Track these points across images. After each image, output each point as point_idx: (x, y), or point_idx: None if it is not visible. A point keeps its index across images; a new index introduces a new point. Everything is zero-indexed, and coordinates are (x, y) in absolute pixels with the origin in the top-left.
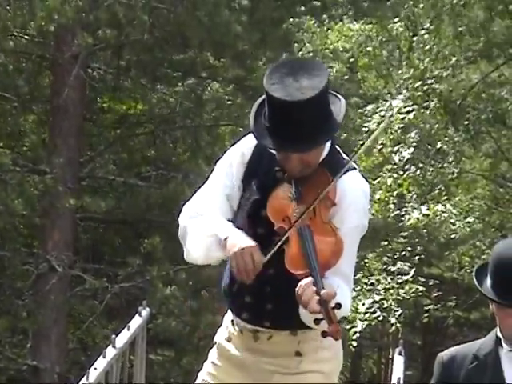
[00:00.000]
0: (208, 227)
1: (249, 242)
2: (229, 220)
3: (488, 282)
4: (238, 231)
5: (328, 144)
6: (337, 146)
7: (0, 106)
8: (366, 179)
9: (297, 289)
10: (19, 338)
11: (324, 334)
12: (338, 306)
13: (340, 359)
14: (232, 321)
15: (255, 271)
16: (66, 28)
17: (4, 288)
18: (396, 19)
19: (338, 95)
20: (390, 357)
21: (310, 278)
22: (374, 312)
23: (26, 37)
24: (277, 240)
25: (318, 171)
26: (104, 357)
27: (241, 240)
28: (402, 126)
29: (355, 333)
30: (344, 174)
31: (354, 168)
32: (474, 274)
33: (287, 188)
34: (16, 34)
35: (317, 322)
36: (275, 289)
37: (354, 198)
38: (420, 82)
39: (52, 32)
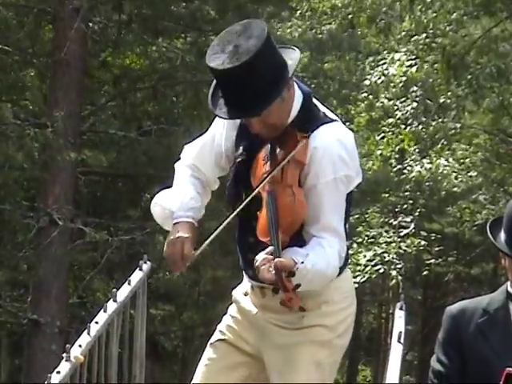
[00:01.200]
0: (172, 200)
1: (185, 233)
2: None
3: (502, 236)
4: (189, 218)
5: (299, 100)
6: (314, 101)
7: (1, 60)
8: (351, 130)
9: (255, 258)
10: (20, 292)
11: (280, 303)
12: (291, 274)
13: (350, 312)
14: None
15: (183, 263)
16: None
17: (4, 242)
18: None
19: (294, 48)
20: (391, 312)
21: (269, 248)
22: (376, 265)
23: None
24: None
25: (288, 131)
26: (105, 311)
27: (180, 229)
28: (404, 80)
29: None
30: (317, 128)
31: (332, 121)
32: (487, 227)
33: (265, 149)
34: None
35: (275, 291)
36: None
37: (327, 150)
38: (423, 35)
39: None
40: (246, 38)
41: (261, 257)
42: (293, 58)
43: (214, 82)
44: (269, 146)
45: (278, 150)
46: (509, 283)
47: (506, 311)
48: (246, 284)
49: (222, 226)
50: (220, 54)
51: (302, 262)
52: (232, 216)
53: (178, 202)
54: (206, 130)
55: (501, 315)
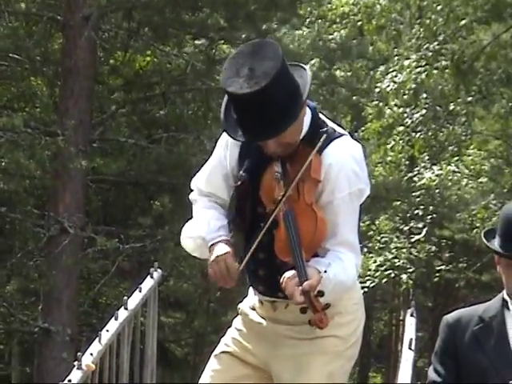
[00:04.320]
0: (199, 227)
1: (223, 249)
2: (227, 199)
3: (496, 241)
4: (222, 237)
5: (308, 117)
6: (321, 116)
7: (11, 69)
8: (358, 141)
9: (281, 281)
10: (31, 301)
11: (309, 323)
12: (321, 293)
13: (360, 321)
14: (254, 291)
15: (231, 278)
16: None
17: (15, 250)
18: None
19: (303, 66)
20: (401, 318)
21: (292, 271)
22: (386, 270)
23: None
24: (260, 228)
25: (300, 148)
26: (116, 319)
27: (218, 249)
28: (413, 86)
29: (363, 288)
30: (328, 145)
31: (341, 135)
32: (482, 234)
33: (276, 168)
34: None
35: (303, 310)
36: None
37: (341, 165)
38: (435, 43)
39: None
40: (259, 60)
41: (289, 280)
42: (302, 76)
43: (225, 103)
44: (279, 164)
45: (289, 167)
46: (504, 291)
47: (502, 318)
48: (252, 298)
49: (258, 240)
50: (236, 78)
51: (325, 271)
52: (263, 232)
53: (205, 227)
54: (209, 157)
55: (496, 323)
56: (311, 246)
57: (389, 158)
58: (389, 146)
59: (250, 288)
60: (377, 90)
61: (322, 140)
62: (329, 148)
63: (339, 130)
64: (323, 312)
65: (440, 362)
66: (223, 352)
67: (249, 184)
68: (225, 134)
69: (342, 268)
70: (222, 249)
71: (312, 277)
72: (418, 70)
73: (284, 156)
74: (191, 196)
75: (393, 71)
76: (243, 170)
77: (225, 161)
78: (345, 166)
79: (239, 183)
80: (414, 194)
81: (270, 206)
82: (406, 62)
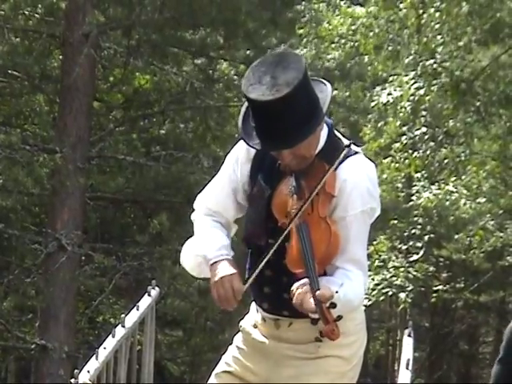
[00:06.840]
0: (201, 245)
1: (229, 270)
2: (232, 215)
3: None
4: (224, 256)
5: (325, 132)
6: (336, 133)
7: (10, 85)
8: (372, 161)
9: (291, 289)
10: (28, 317)
11: (321, 334)
12: (333, 305)
13: (362, 343)
14: (256, 308)
15: (235, 299)
16: (77, 7)
17: (13, 267)
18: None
19: (324, 81)
20: (398, 338)
21: (304, 280)
22: (383, 288)
23: (36, 15)
24: (270, 243)
25: (315, 163)
26: (113, 336)
27: (222, 268)
28: (411, 104)
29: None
30: (343, 161)
31: (356, 152)
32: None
33: (289, 182)
34: (26, 12)
35: (314, 322)
36: (291, 278)
37: (355, 183)
38: (431, 61)
39: (63, 11)
40: (282, 69)
41: (300, 287)
42: (323, 90)
43: (243, 111)
44: (293, 178)
45: (303, 182)
46: None
47: None
48: (254, 315)
49: (267, 257)
50: (257, 85)
51: (337, 292)
52: (275, 246)
53: (208, 245)
54: (216, 173)
55: None
56: (324, 258)
57: (384, 176)
58: (385, 161)
59: (252, 304)
60: (373, 103)
61: (341, 156)
62: (344, 164)
63: (354, 147)
64: (335, 323)
65: (503, 363)
66: (224, 371)
67: (262, 197)
68: (234, 150)
69: (351, 287)
70: (227, 269)
71: (325, 289)
72: (416, 85)
73: (298, 170)
74: (193, 215)
75: (391, 86)
76: (258, 184)
77: (234, 175)
78: (359, 184)
79: (256, 193)
80: (411, 213)
81: (282, 220)
82: (405, 79)
